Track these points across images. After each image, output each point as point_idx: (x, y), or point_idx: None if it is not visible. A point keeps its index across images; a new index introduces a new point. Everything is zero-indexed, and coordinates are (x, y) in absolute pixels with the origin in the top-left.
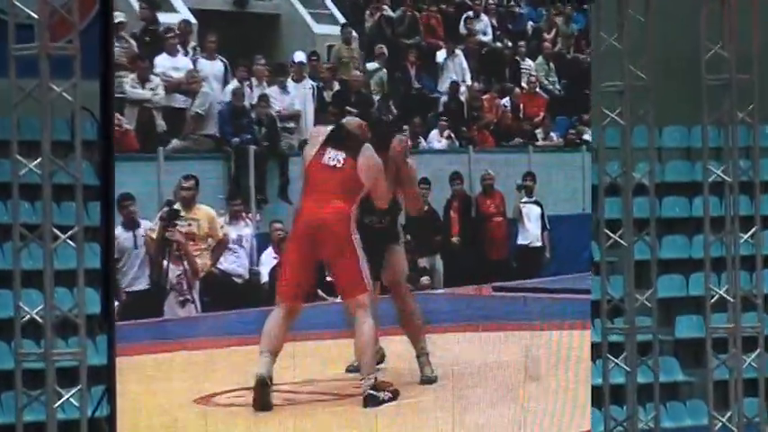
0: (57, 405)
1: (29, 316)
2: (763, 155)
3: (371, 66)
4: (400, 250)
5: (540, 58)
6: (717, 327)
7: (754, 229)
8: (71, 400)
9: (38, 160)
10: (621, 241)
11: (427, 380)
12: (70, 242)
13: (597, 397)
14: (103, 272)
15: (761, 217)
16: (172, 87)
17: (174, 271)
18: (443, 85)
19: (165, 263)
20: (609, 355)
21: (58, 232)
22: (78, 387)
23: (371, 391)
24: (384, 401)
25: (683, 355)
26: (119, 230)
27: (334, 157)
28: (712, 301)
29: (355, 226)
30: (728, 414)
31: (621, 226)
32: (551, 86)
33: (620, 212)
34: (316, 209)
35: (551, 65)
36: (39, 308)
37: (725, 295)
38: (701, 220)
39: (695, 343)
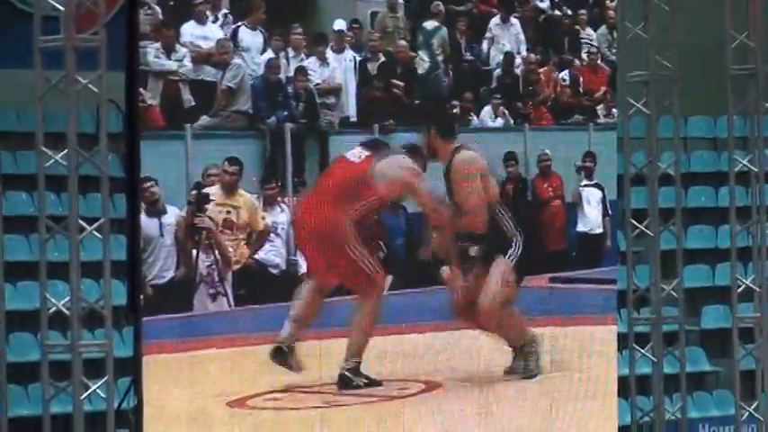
0: (83, 397)
1: (55, 307)
2: None
3: (430, 24)
4: (495, 273)
5: (603, 28)
6: (743, 316)
7: None
8: (98, 391)
9: (64, 152)
10: (647, 231)
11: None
12: (96, 233)
13: (623, 387)
14: (129, 263)
15: None
16: (200, 58)
17: (204, 261)
18: (497, 57)
19: (194, 252)
20: (635, 346)
21: (84, 224)
22: (105, 379)
23: (346, 373)
24: (358, 386)
25: (709, 346)
26: (141, 217)
27: (358, 153)
28: (738, 290)
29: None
30: (755, 404)
31: (647, 216)
32: (615, 58)
33: (646, 202)
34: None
35: (615, 35)
36: (65, 299)
37: (751, 285)
38: (726, 210)
39: (721, 333)
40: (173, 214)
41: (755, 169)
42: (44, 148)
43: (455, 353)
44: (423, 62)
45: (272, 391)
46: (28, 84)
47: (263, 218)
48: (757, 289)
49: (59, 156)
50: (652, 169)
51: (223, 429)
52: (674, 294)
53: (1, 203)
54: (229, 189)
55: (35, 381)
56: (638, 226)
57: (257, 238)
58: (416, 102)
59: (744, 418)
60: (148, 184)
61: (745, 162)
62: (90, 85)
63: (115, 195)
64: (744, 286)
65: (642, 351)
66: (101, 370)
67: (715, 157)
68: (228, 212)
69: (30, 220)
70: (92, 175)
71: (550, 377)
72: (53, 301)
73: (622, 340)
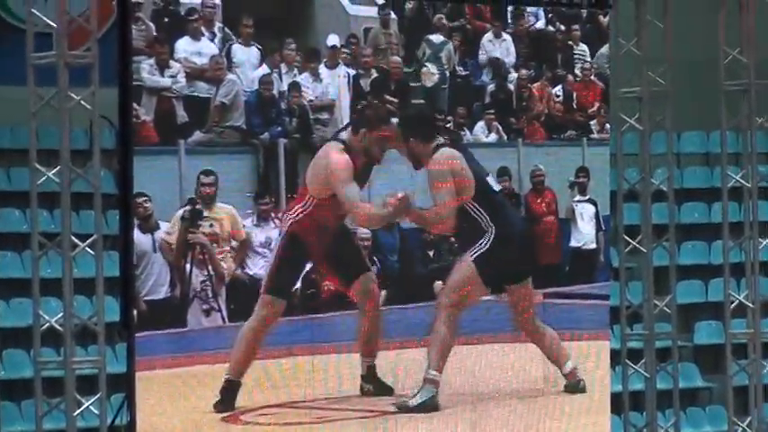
0: (77, 413)
1: (48, 324)
2: None
3: (437, 38)
4: (459, 267)
5: (605, 48)
6: (736, 332)
7: None
8: (91, 408)
9: (56, 168)
10: (640, 247)
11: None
12: (89, 250)
13: (616, 403)
14: (122, 280)
15: None
16: (194, 74)
17: (197, 276)
18: (488, 72)
19: (188, 268)
20: (628, 362)
21: (76, 240)
22: (98, 395)
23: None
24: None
25: (702, 361)
26: (135, 233)
27: None
28: (732, 306)
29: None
30: (748, 420)
31: (640, 232)
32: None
33: (639, 218)
34: None
35: None
36: (58, 316)
37: (744, 301)
38: (719, 226)
39: (714, 349)
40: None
41: (748, 185)
42: (37, 165)
43: (447, 369)
44: (432, 75)
45: (265, 407)
46: (21, 100)
47: (244, 226)
48: (750, 305)
49: (52, 172)
50: (645, 185)
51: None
52: (667, 310)
53: None
54: (208, 202)
55: (28, 397)
56: (631, 242)
57: (240, 247)
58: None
59: None
60: (141, 199)
61: (737, 178)
62: (83, 102)
63: (108, 212)
64: (737, 302)
65: (635, 367)
66: (94, 386)
67: (708, 172)
68: (211, 225)
69: (23, 237)
70: (84, 191)
71: (543, 393)
72: (46, 317)
73: (615, 356)
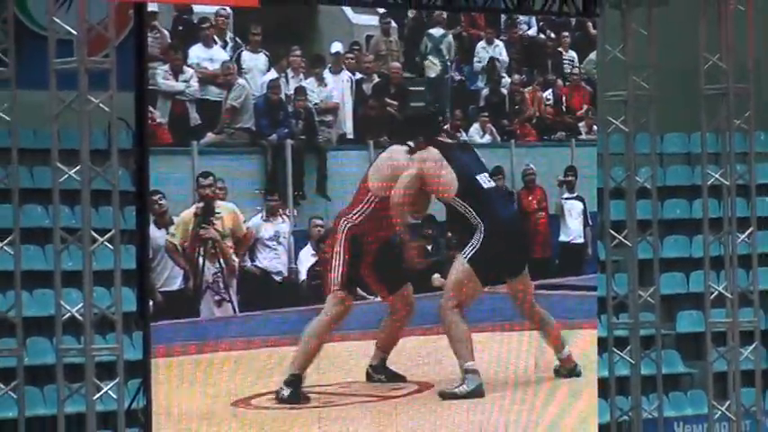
0: (96, 397)
1: (69, 314)
2: (759, 159)
3: (437, 31)
4: (456, 269)
5: (593, 54)
6: (716, 321)
7: (750, 230)
8: (109, 392)
9: (77, 168)
10: (626, 241)
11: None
12: (108, 244)
13: (603, 388)
14: (139, 272)
15: (757, 218)
16: (206, 79)
17: (209, 269)
18: (482, 77)
19: (200, 261)
20: (614, 349)
21: (96, 235)
22: (116, 380)
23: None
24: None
25: (684, 349)
26: (151, 229)
27: None
28: (711, 297)
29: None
30: (727, 403)
31: (626, 227)
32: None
33: (625, 214)
34: None
35: None
36: (78, 306)
37: (723, 292)
38: (700, 222)
39: (695, 337)
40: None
41: (727, 183)
42: (59, 164)
43: (447, 355)
44: (434, 66)
45: (275, 392)
46: (43, 104)
47: (244, 221)
48: (729, 295)
49: (73, 171)
50: (630, 183)
51: (223, 426)
52: (651, 301)
53: (18, 216)
54: (209, 203)
55: (50, 382)
56: (617, 236)
57: (242, 242)
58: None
59: (717, 416)
60: (157, 197)
61: (717, 176)
62: (101, 105)
63: (126, 208)
64: (716, 293)
65: (621, 354)
66: (112, 372)
67: (689, 171)
68: (214, 224)
69: (45, 232)
70: (103, 189)
71: (535, 380)
72: (67, 307)
73: (602, 344)
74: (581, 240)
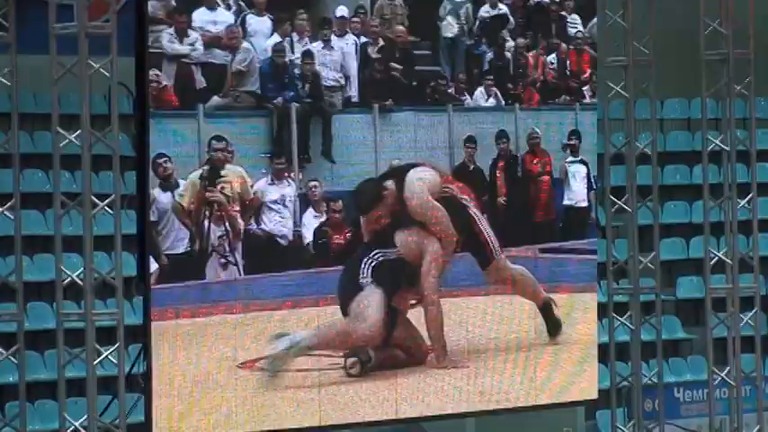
0: (96, 362)
1: (70, 279)
2: (759, 125)
3: None
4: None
5: (596, 19)
6: (716, 287)
7: (750, 196)
8: (109, 357)
9: (77, 132)
10: (626, 207)
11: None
12: (108, 209)
13: (603, 354)
14: (139, 237)
15: (757, 184)
16: (211, 43)
17: (215, 232)
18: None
19: (206, 224)
20: (614, 315)
21: (96, 200)
22: (116, 345)
23: None
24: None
25: (683, 314)
26: (156, 191)
27: None
28: (711, 263)
29: None
30: (727, 369)
31: (626, 193)
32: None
33: (625, 180)
34: None
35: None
36: (79, 271)
37: (723, 257)
38: (700, 187)
39: (695, 302)
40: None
41: (727, 149)
42: (59, 129)
43: (446, 323)
44: (451, 26)
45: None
46: (44, 68)
47: (252, 186)
48: (729, 261)
49: (73, 136)
50: (630, 149)
51: (226, 390)
52: (651, 266)
53: (19, 181)
54: (220, 166)
55: (51, 347)
56: (617, 202)
57: (248, 207)
58: (413, 83)
59: (716, 382)
60: (162, 159)
61: (717, 142)
62: (102, 70)
63: (126, 173)
64: (716, 259)
65: (621, 320)
66: (112, 337)
67: (689, 137)
68: (222, 188)
69: (46, 197)
70: (104, 153)
71: (534, 345)
72: (68, 272)
73: (602, 309)
74: (585, 204)
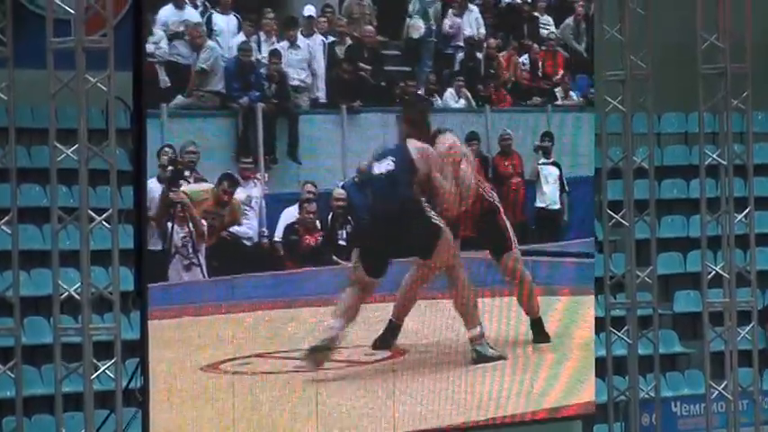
0: (93, 377)
1: (67, 293)
2: (756, 139)
3: None
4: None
5: (569, 19)
6: (713, 301)
7: (747, 210)
8: (107, 372)
9: (74, 147)
10: (623, 221)
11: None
12: (105, 224)
13: (601, 368)
14: (136, 251)
15: (754, 198)
16: (176, 41)
17: (178, 233)
18: (456, 42)
19: (169, 225)
20: (612, 329)
21: (93, 214)
22: (113, 360)
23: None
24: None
25: (681, 329)
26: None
27: None
28: (709, 277)
29: None
30: (724, 383)
31: (623, 207)
32: (580, 48)
33: (622, 194)
34: None
35: (583, 26)
36: (76, 286)
37: (720, 272)
38: (697, 202)
39: (692, 317)
40: (153, 189)
41: (724, 163)
42: (56, 144)
43: (442, 326)
44: (419, 27)
45: (246, 356)
46: (41, 83)
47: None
48: (726, 275)
49: (70, 150)
50: (627, 163)
51: (201, 392)
52: (648, 280)
53: (16, 196)
54: (224, 203)
55: (48, 362)
56: (615, 216)
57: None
58: (382, 83)
59: (714, 396)
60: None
61: (714, 156)
62: (99, 84)
63: (123, 188)
64: (713, 273)
65: (618, 334)
66: (109, 352)
67: (686, 151)
68: (214, 219)
69: (43, 211)
70: (101, 168)
71: (530, 348)
72: (65, 287)
73: (599, 324)
74: (557, 206)
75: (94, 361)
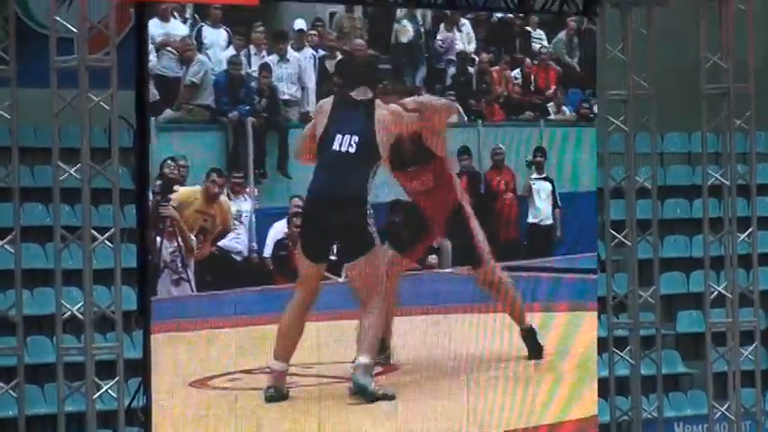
0: (96, 396)
1: (69, 312)
2: (759, 160)
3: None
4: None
5: (562, 34)
6: (716, 321)
7: (750, 230)
8: (109, 391)
9: (77, 166)
10: (626, 241)
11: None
12: (108, 243)
13: (603, 388)
14: (139, 271)
15: (757, 218)
16: (164, 54)
17: (167, 248)
18: (449, 56)
19: (158, 240)
20: (614, 349)
21: (96, 234)
22: (116, 379)
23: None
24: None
25: (683, 349)
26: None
27: None
28: (711, 297)
29: None
30: (727, 404)
31: (626, 227)
32: (572, 62)
33: (625, 214)
34: None
35: (576, 40)
36: (79, 305)
37: (723, 292)
38: (700, 221)
39: (695, 337)
40: None
41: (727, 183)
42: (59, 163)
43: (448, 338)
44: (407, 30)
45: (232, 372)
46: (44, 102)
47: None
48: (729, 295)
49: (73, 169)
50: (630, 183)
51: (187, 407)
52: (651, 300)
53: (19, 215)
54: (213, 197)
55: (51, 381)
56: (618, 236)
57: (223, 232)
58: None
59: (716, 416)
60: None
61: (717, 176)
62: (102, 103)
63: (126, 207)
64: (716, 293)
65: (621, 354)
66: (112, 371)
67: (689, 171)
68: (206, 220)
69: (46, 230)
70: (104, 187)
71: (532, 363)
72: (67, 306)
73: (602, 344)
74: (549, 222)
75: (97, 380)
